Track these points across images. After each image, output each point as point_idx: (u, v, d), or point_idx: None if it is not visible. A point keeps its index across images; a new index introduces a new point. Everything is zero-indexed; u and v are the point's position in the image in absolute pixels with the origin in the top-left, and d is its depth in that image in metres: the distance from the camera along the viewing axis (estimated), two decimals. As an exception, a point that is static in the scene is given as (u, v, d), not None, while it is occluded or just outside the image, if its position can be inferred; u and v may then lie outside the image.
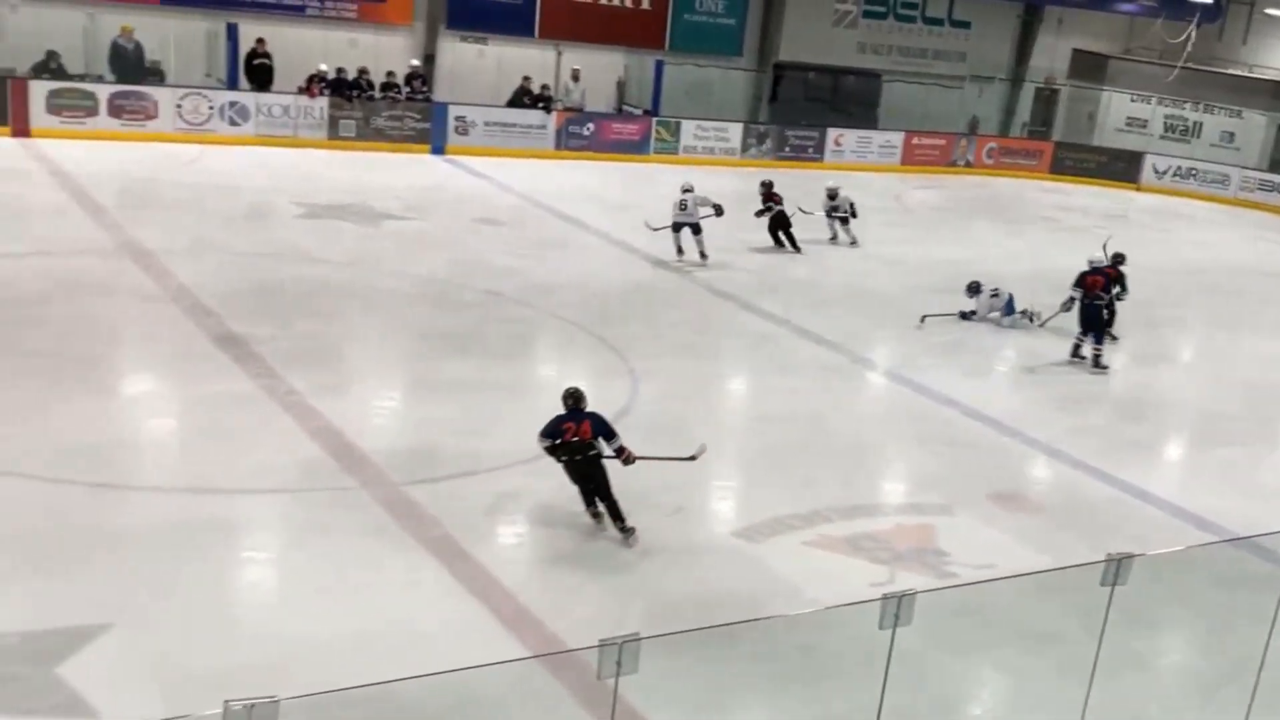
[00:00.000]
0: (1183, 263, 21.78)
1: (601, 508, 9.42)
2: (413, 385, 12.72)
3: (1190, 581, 9.18)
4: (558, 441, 9.21)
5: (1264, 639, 7.26)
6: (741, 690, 7.49)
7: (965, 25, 32.07)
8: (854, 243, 20.54)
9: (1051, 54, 33.42)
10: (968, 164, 30.11)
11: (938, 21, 31.79)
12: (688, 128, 26.89)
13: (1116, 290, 15.56)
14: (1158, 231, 25.59)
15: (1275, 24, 31.96)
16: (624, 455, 9.36)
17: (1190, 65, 29.88)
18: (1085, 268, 15.44)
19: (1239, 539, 10.35)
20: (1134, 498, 11.46)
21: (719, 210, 17.70)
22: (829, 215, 20.64)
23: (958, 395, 13.67)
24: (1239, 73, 32.64)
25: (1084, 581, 6.49)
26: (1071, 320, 15.59)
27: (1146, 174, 30.27)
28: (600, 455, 9.33)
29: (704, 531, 10.04)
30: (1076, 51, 33.69)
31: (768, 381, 13.88)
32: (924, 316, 16.29)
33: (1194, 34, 28.49)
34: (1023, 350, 16.19)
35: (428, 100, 24.87)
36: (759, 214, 19.59)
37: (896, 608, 5.55)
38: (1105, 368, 15.25)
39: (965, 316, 16.64)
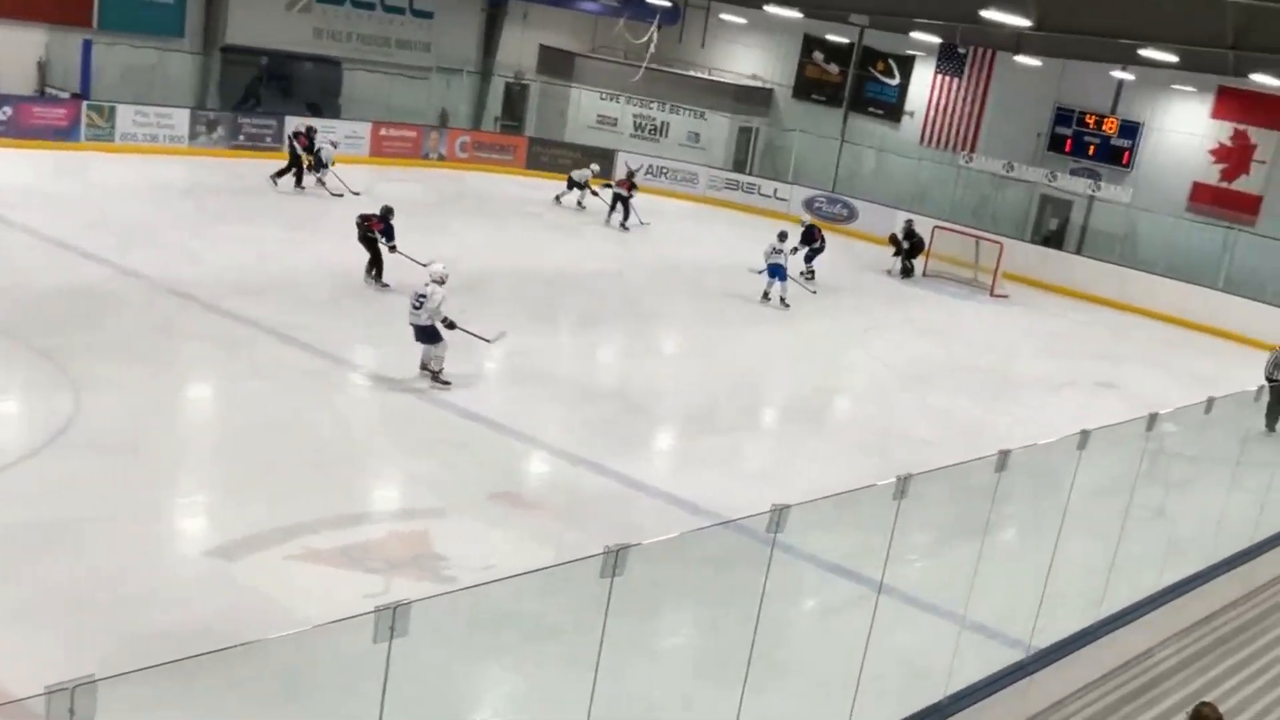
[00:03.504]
0: (663, 259, 23.42)
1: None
2: None
3: (686, 566, 9.84)
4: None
5: (755, 614, 7.89)
6: (229, 723, 7.14)
7: (428, 15, 32.70)
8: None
9: (519, 48, 34.86)
10: (440, 157, 30.69)
11: (398, 10, 32.20)
12: (125, 113, 25.33)
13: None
14: (637, 229, 27.31)
15: (731, 29, 35.18)
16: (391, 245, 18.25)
17: (654, 66, 32.23)
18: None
19: (728, 522, 11.23)
20: (630, 488, 12.14)
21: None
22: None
23: (447, 394, 13.85)
24: (700, 75, 35.62)
25: (585, 575, 6.77)
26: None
27: (620, 171, 32.22)
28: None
29: (173, 554, 9.55)
30: (543, 48, 35.32)
31: (241, 388, 13.38)
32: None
33: (655, 35, 30.71)
34: (513, 348, 16.69)
35: None
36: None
37: (391, 619, 5.48)
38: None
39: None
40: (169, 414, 12.52)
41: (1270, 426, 17.04)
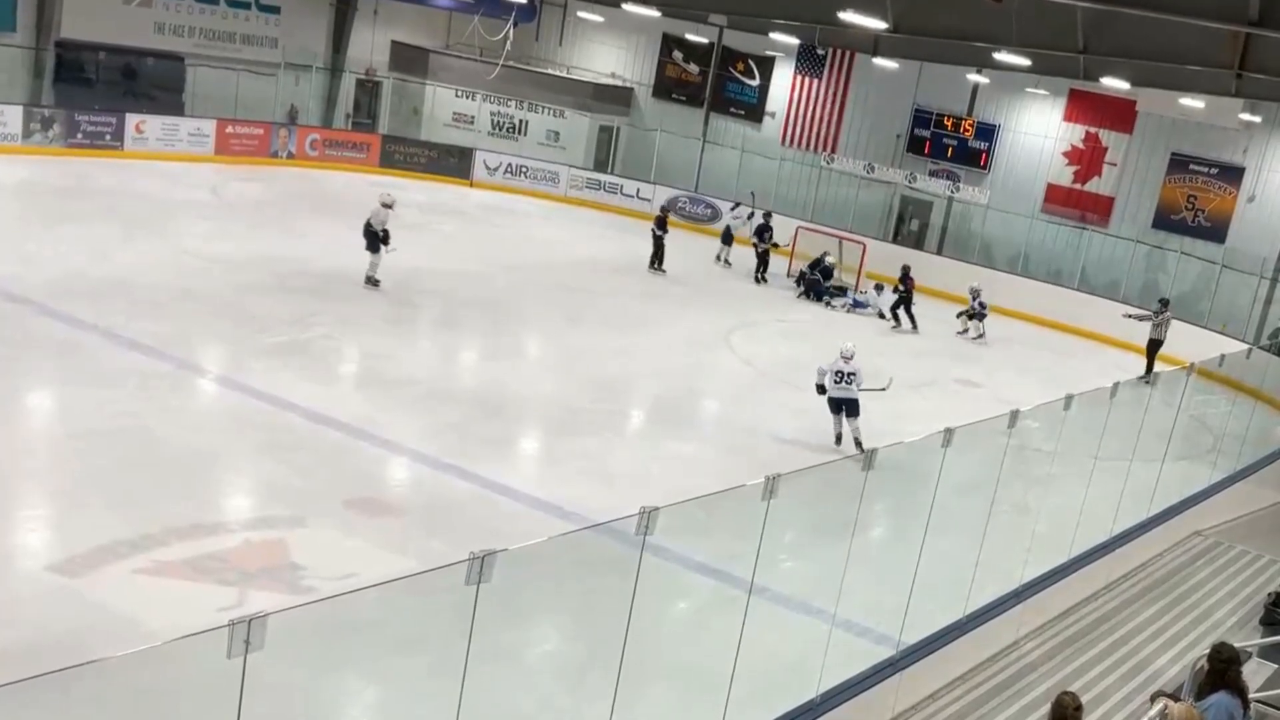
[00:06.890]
0: (524, 260, 23.32)
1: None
2: None
3: (554, 571, 9.80)
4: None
5: (625, 618, 7.88)
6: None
7: (274, 10, 32.15)
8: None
9: (370, 45, 34.43)
10: (290, 155, 30.14)
11: (244, 5, 31.59)
12: (-47, 109, 24.44)
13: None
14: (495, 227, 27.19)
15: (589, 27, 35.22)
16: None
17: (512, 64, 32.10)
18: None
19: (597, 525, 11.22)
20: (495, 493, 12.05)
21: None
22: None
23: (300, 399, 13.59)
24: (558, 73, 35.58)
25: (450, 582, 6.70)
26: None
27: (478, 170, 32.09)
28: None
29: (12, 569, 9.18)
30: (396, 44, 34.94)
31: (78, 394, 12.94)
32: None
33: (512, 33, 30.59)
34: (368, 350, 16.46)
35: None
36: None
37: (246, 633, 5.35)
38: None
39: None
40: (4, 422, 12.05)
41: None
